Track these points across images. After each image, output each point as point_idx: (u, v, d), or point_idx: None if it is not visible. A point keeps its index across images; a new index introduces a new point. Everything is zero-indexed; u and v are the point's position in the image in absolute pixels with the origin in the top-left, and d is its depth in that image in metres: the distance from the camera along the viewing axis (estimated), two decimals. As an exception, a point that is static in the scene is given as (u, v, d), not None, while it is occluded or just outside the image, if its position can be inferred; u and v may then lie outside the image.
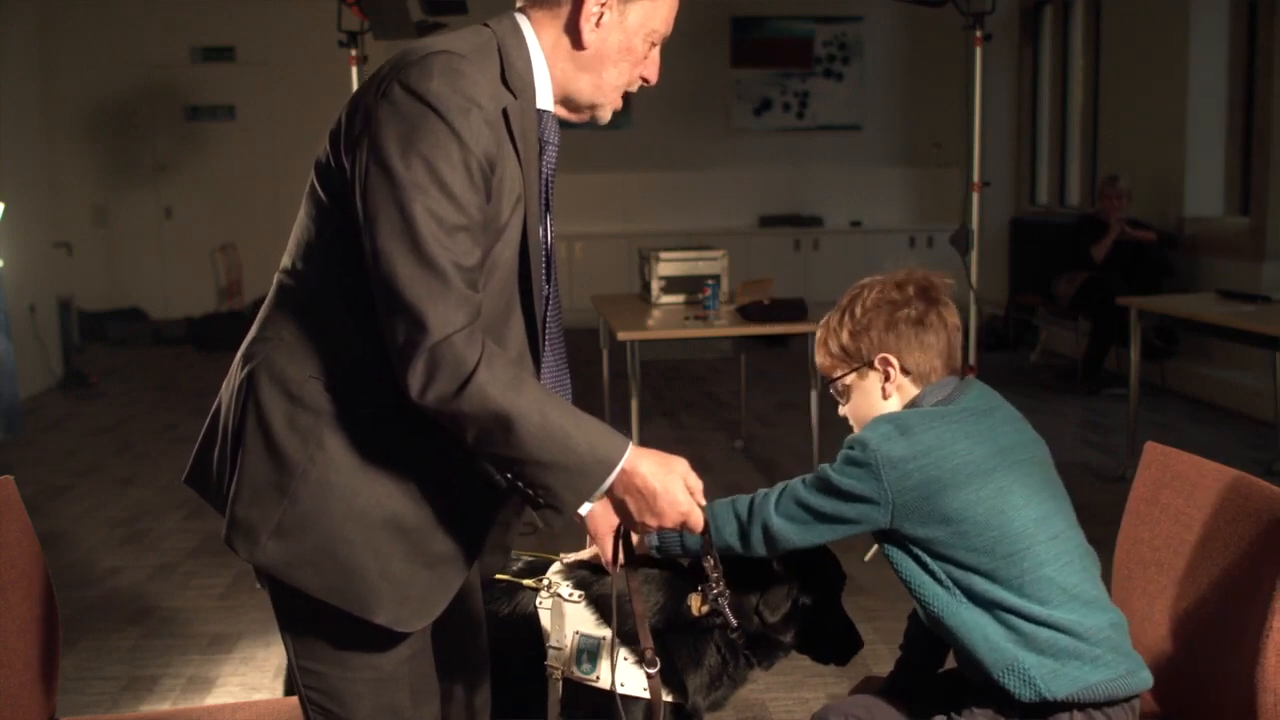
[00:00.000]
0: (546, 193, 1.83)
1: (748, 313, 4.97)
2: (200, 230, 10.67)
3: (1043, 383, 7.93)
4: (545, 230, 1.84)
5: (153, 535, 5.02)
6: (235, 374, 1.82)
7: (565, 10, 1.77)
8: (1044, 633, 1.85)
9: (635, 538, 1.97)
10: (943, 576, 1.90)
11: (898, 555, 1.95)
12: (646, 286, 5.79)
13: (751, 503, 2.01)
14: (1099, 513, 4.46)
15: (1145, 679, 1.91)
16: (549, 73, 1.80)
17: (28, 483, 5.53)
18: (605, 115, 1.87)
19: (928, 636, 2.05)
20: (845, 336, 2.04)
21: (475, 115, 1.62)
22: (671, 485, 1.79)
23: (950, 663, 2.07)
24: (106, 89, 10.43)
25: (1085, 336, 7.87)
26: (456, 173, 1.60)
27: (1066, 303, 7.86)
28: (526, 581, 2.20)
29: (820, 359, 2.11)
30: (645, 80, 1.86)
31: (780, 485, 2.01)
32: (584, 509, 1.79)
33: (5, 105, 7.81)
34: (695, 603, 2.07)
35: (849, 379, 2.05)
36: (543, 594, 2.16)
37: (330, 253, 1.73)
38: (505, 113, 1.69)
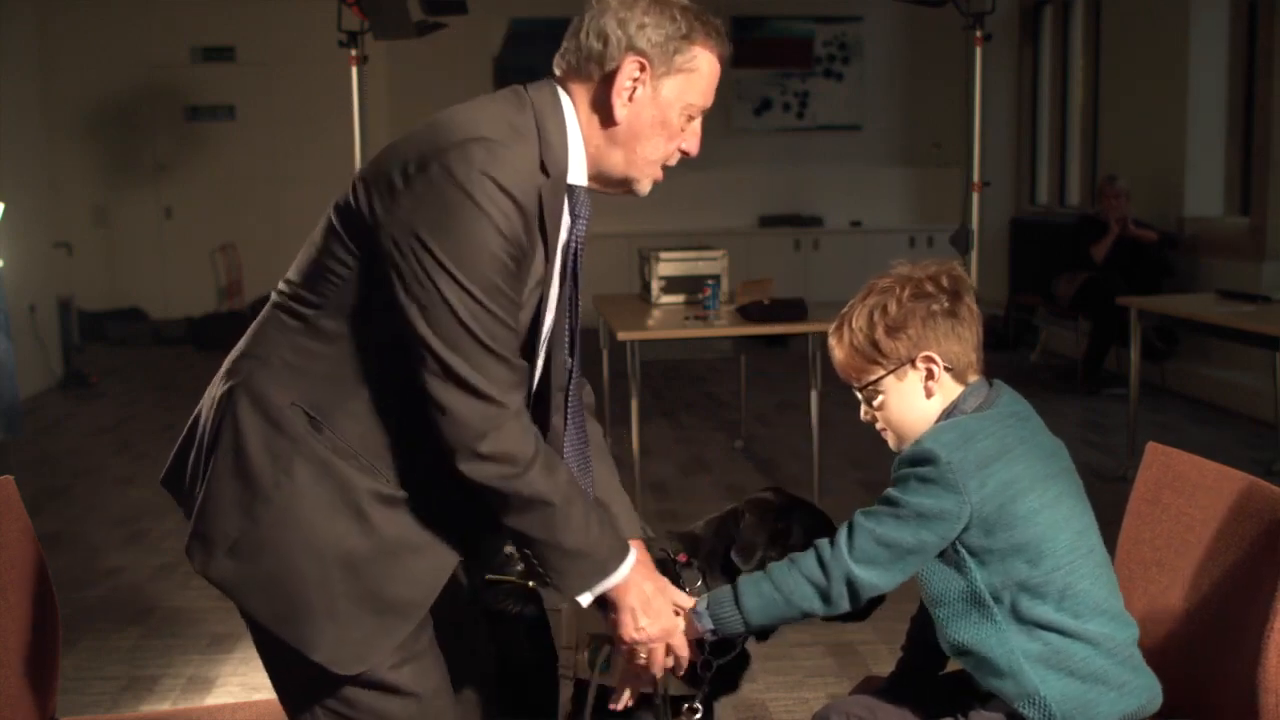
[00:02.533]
0: (575, 264, 1.83)
1: (748, 313, 4.97)
2: (200, 230, 10.66)
3: (1043, 383, 7.92)
4: (574, 303, 1.86)
5: (153, 535, 5.02)
6: (218, 385, 1.82)
7: (598, 84, 1.77)
8: (1079, 650, 1.82)
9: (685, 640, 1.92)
10: (985, 595, 1.83)
11: (940, 573, 1.86)
12: (646, 286, 5.79)
13: (820, 560, 1.86)
14: (1099, 513, 4.44)
15: (1156, 700, 1.90)
16: (584, 147, 1.79)
17: (28, 483, 5.51)
18: (644, 189, 1.85)
19: (930, 639, 2.04)
20: (880, 336, 1.91)
21: (510, 206, 1.64)
22: (661, 601, 1.86)
23: (953, 664, 2.06)
24: (106, 89, 10.42)
25: (1085, 336, 7.87)
26: (495, 259, 1.63)
27: (1066, 303, 7.85)
28: (534, 583, 2.20)
29: (846, 364, 1.97)
30: (685, 153, 1.84)
31: (842, 531, 1.87)
32: (584, 599, 1.82)
33: (5, 105, 7.81)
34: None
35: (885, 382, 1.93)
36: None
37: (342, 295, 1.73)
38: (539, 197, 1.70)
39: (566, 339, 1.88)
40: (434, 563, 1.80)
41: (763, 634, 2.08)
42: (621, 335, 4.80)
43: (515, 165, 1.66)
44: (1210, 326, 5.27)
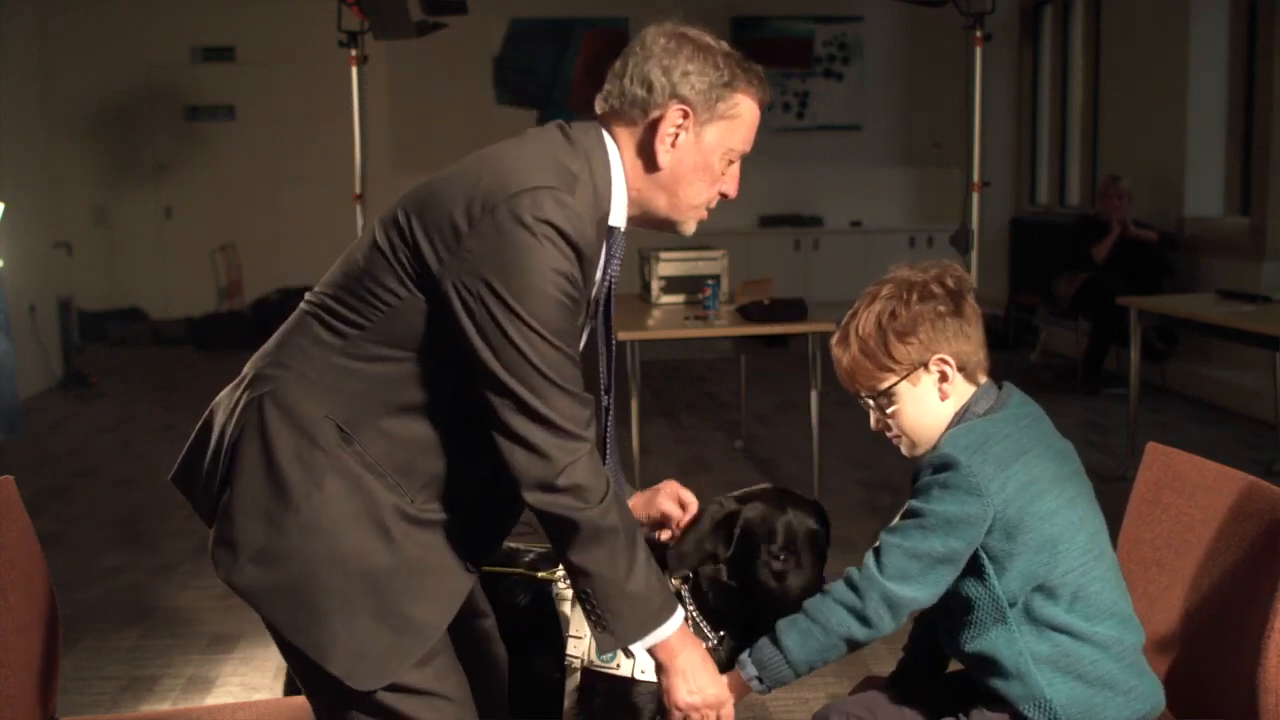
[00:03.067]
0: (608, 303, 1.88)
1: (748, 313, 4.97)
2: (200, 230, 10.66)
3: (1043, 383, 7.92)
4: (608, 341, 1.91)
5: (153, 535, 5.02)
6: (242, 391, 1.83)
7: (641, 129, 1.80)
8: (1088, 653, 1.82)
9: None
10: (1000, 596, 1.82)
11: (960, 578, 1.84)
12: (646, 286, 5.79)
13: (852, 583, 1.85)
14: (1099, 513, 4.45)
15: (1160, 705, 1.89)
16: (626, 191, 1.82)
17: (28, 483, 5.51)
18: (689, 229, 1.90)
19: (932, 640, 2.04)
20: (891, 342, 1.89)
21: (572, 253, 1.68)
22: (711, 668, 1.87)
23: (954, 665, 2.06)
24: (106, 89, 10.42)
25: (1085, 336, 7.87)
26: (561, 303, 1.69)
27: (1066, 303, 7.85)
28: (542, 574, 2.20)
29: (855, 372, 1.94)
30: (725, 195, 1.88)
31: (869, 553, 1.86)
32: (637, 647, 1.84)
33: (5, 105, 7.81)
34: None
35: (899, 388, 1.91)
36: (560, 585, 2.16)
37: (389, 322, 1.75)
38: (594, 241, 1.75)
39: (602, 376, 1.93)
40: (452, 585, 1.82)
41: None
42: (621, 335, 4.80)
43: (577, 212, 1.70)
44: (1210, 326, 5.27)
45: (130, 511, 5.37)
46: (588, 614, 1.79)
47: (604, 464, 1.91)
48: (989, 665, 1.85)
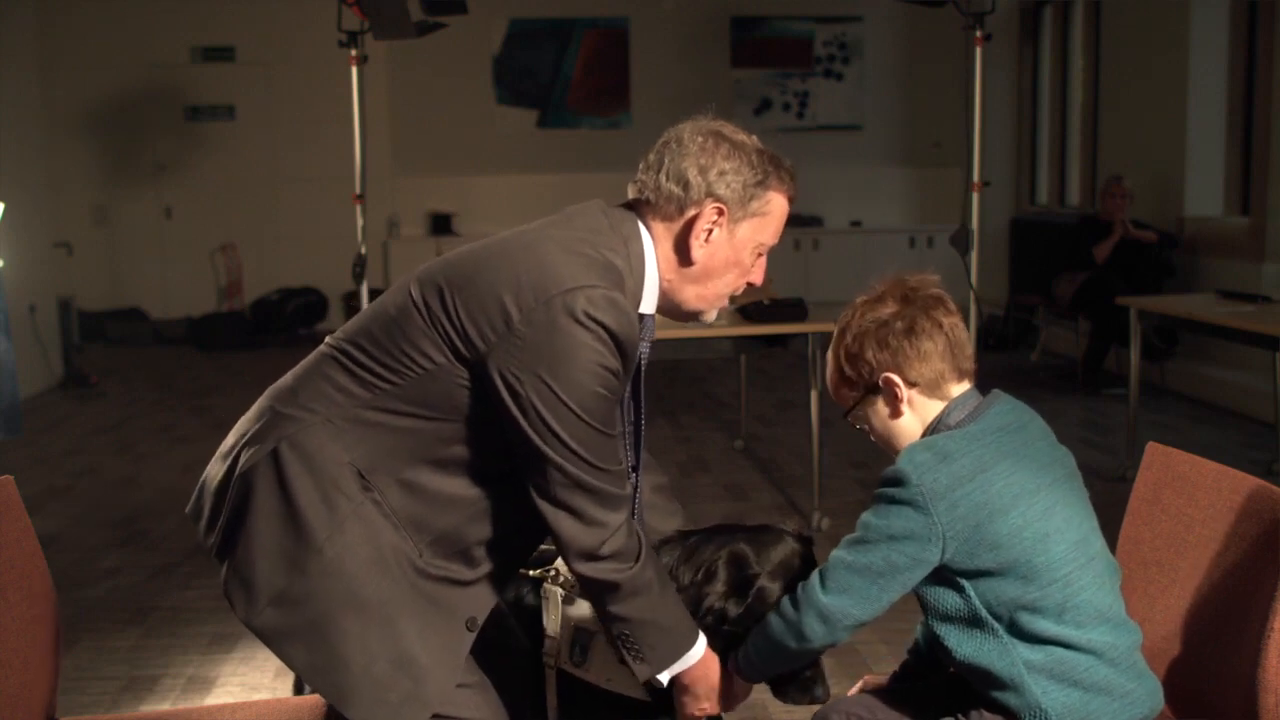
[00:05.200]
0: (637, 382, 1.94)
1: (748, 313, 4.96)
2: (200, 230, 10.67)
3: (1043, 383, 7.92)
4: (639, 417, 1.99)
5: (153, 535, 5.02)
6: (263, 429, 1.84)
7: (678, 226, 1.85)
8: (1082, 661, 1.81)
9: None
10: (984, 613, 1.82)
11: (939, 593, 1.86)
12: (646, 286, 5.78)
13: (794, 597, 1.91)
14: (1099, 513, 4.44)
15: (1158, 706, 1.89)
16: (659, 281, 1.88)
17: (28, 483, 5.52)
18: (710, 318, 1.98)
19: (934, 643, 2.04)
20: (845, 363, 1.95)
21: (617, 349, 1.74)
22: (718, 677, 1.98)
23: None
24: (106, 89, 10.43)
25: (1085, 336, 7.87)
26: (605, 397, 1.75)
27: (1066, 303, 7.85)
28: (532, 572, 2.20)
29: (832, 391, 2.02)
30: (751, 284, 1.94)
31: (817, 569, 1.90)
32: (665, 675, 1.91)
33: (5, 105, 7.81)
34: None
35: (862, 405, 1.96)
36: (546, 584, 2.16)
37: (423, 385, 1.78)
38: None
39: (632, 453, 1.98)
40: (460, 636, 1.85)
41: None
42: (621, 335, 4.79)
43: (623, 310, 1.75)
44: (1210, 326, 5.27)
45: (130, 511, 5.37)
46: (625, 650, 1.87)
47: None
48: (985, 676, 1.85)
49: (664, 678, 1.91)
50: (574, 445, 1.74)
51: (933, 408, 1.92)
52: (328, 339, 1.90)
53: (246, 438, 1.85)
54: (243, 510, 1.80)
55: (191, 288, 10.70)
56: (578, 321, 1.70)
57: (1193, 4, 7.69)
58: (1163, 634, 2.07)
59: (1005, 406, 1.94)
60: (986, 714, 1.88)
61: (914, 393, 1.91)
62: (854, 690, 2.21)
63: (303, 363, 1.90)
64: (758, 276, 1.93)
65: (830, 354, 2.00)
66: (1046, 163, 10.25)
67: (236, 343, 9.92)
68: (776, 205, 1.89)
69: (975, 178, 5.27)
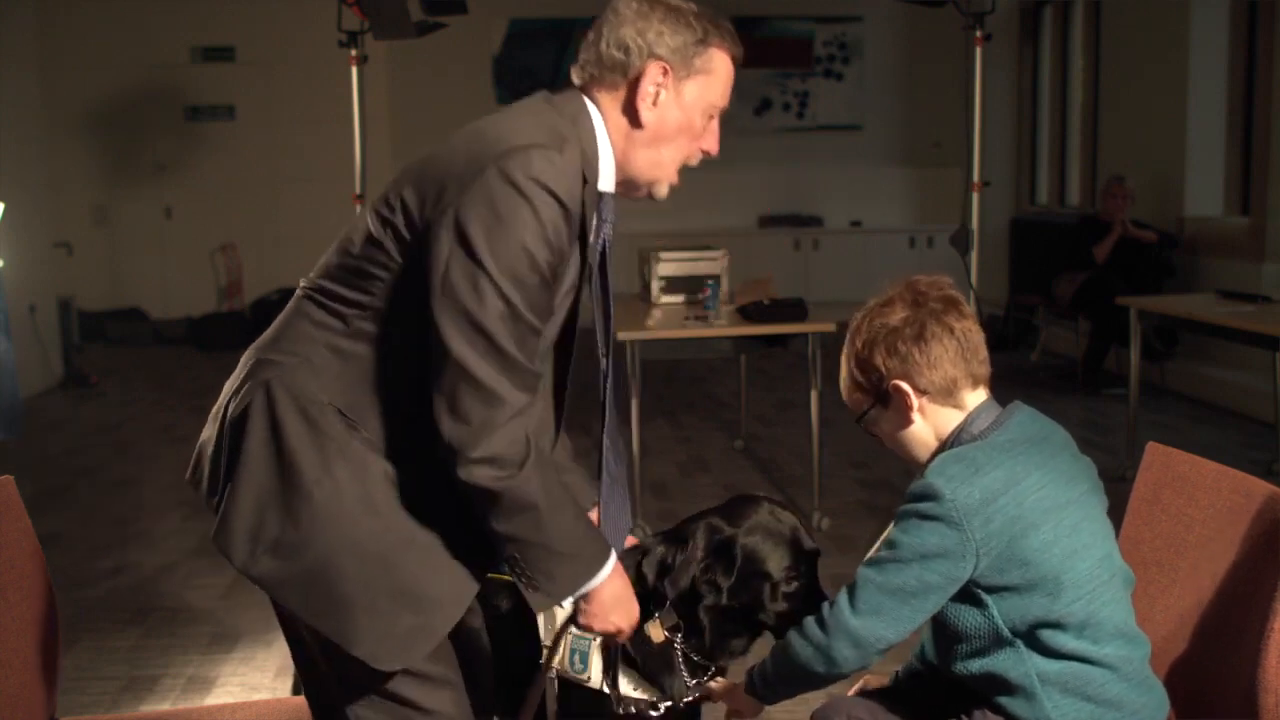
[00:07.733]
0: (604, 267, 1.89)
1: (748, 313, 4.96)
2: (200, 230, 10.67)
3: (1043, 383, 7.93)
4: (606, 305, 1.91)
5: (153, 535, 5.02)
6: (246, 378, 1.82)
7: (623, 92, 1.83)
8: (1097, 675, 1.79)
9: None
10: (1004, 630, 1.79)
11: (957, 609, 1.81)
12: (646, 286, 5.79)
13: (821, 619, 1.83)
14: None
15: (1164, 718, 1.87)
16: (612, 154, 1.84)
17: (28, 483, 5.51)
18: (662, 192, 1.91)
19: (940, 649, 2.03)
20: (856, 370, 1.91)
21: (559, 214, 1.68)
22: (629, 597, 1.89)
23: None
24: (106, 89, 10.43)
25: (1085, 336, 7.87)
26: (536, 265, 1.66)
27: (1066, 303, 7.86)
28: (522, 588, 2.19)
29: (845, 398, 1.97)
30: (706, 152, 1.91)
31: (844, 589, 1.83)
32: (566, 602, 1.85)
33: (5, 105, 7.81)
34: (654, 632, 2.04)
35: (873, 412, 1.92)
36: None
37: (383, 300, 1.76)
38: (582, 204, 1.75)
39: (599, 339, 1.92)
40: (471, 562, 1.81)
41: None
42: (622, 335, 4.80)
43: (566, 172, 1.70)
44: (1210, 326, 5.27)
45: (130, 511, 5.37)
46: (516, 577, 1.77)
47: (559, 424, 1.94)
48: (995, 683, 1.83)
49: (566, 605, 1.85)
50: (480, 318, 1.63)
51: (946, 415, 1.89)
52: (302, 282, 1.88)
53: (233, 390, 1.83)
54: (234, 457, 1.78)
55: (191, 288, 10.70)
56: (513, 183, 1.64)
57: (1193, 4, 7.69)
58: (1163, 634, 2.07)
59: (1027, 416, 1.90)
60: (989, 714, 1.86)
61: (925, 400, 1.87)
62: (854, 690, 2.20)
63: (282, 312, 1.88)
64: (712, 144, 1.91)
65: (842, 359, 1.96)
66: (1046, 163, 10.26)
67: (236, 343, 9.79)
68: (720, 63, 1.89)
69: (975, 178, 5.27)
